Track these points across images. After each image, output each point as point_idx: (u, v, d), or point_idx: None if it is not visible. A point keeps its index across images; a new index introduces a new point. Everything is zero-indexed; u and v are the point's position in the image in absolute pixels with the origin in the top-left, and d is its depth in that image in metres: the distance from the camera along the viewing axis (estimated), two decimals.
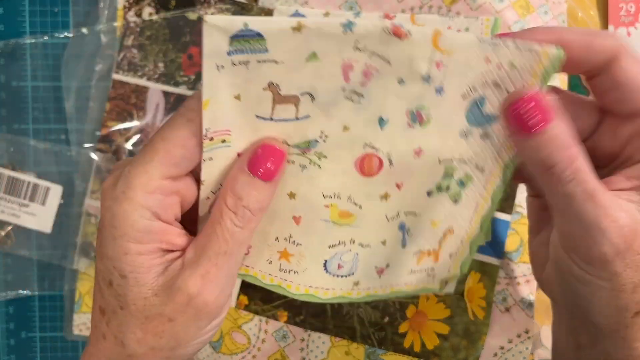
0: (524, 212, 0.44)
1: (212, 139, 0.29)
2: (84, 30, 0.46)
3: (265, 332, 0.45)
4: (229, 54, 0.27)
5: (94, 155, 0.45)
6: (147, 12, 0.45)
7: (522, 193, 0.44)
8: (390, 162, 0.31)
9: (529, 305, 0.44)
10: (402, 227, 0.34)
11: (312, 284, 0.35)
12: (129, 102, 0.45)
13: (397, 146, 0.31)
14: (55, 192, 0.46)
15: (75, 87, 0.46)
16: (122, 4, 0.45)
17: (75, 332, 0.46)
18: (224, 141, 0.29)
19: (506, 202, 0.44)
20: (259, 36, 0.27)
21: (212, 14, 0.45)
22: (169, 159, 0.28)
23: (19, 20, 0.47)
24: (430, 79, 0.29)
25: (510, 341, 0.44)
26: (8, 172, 0.46)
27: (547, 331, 0.45)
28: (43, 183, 0.46)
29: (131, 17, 0.45)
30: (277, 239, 0.33)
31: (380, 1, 0.45)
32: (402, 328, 0.44)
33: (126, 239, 0.28)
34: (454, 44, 0.28)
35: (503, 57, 0.29)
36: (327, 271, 0.35)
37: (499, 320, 0.44)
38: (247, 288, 0.45)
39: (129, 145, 0.45)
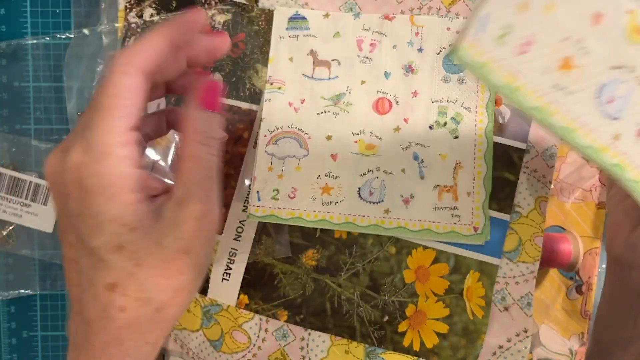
0: (523, 212, 0.44)
1: (272, 83, 0.45)
2: (85, 31, 0.46)
3: (266, 331, 0.45)
4: (287, 29, 0.45)
5: None
6: (149, 13, 0.46)
7: (520, 193, 0.44)
8: (397, 102, 0.44)
9: (528, 304, 0.44)
10: (416, 157, 0.44)
11: (350, 212, 0.44)
12: None
13: (399, 90, 0.45)
14: None
15: (76, 87, 0.46)
16: (123, 5, 0.45)
17: None
18: (279, 88, 0.45)
19: (505, 203, 0.44)
20: (304, 19, 0.45)
21: (213, 15, 0.45)
22: (125, 111, 0.29)
23: (20, 20, 0.47)
24: (413, 43, 0.45)
25: (509, 340, 0.44)
26: (10, 172, 0.46)
27: (545, 330, 0.46)
28: (44, 183, 0.46)
29: (132, 18, 0.45)
30: (319, 176, 0.44)
31: (379, 2, 0.45)
32: (402, 327, 0.44)
33: (124, 191, 0.29)
34: (424, 20, 0.45)
35: (458, 26, 0.44)
36: (360, 197, 0.44)
37: (497, 320, 0.44)
38: (248, 287, 0.45)
39: None
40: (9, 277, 0.47)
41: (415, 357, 0.44)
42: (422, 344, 0.44)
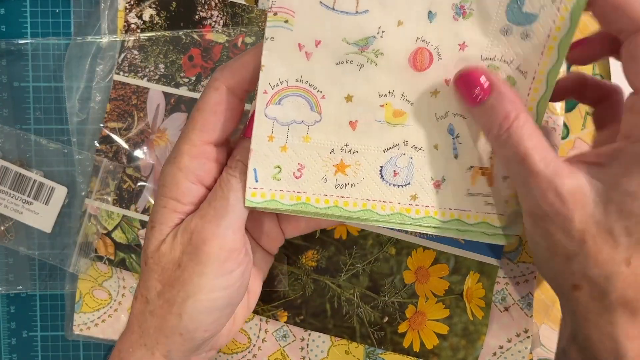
0: None
1: (275, 13, 0.31)
2: (85, 31, 0.46)
3: (266, 331, 0.45)
4: None
5: (94, 156, 0.45)
6: (148, 13, 0.45)
7: None
8: (439, 55, 0.33)
9: (528, 304, 0.44)
10: (451, 131, 0.35)
11: (369, 196, 0.35)
12: (129, 103, 0.45)
13: (444, 39, 0.33)
14: (60, 192, 0.46)
15: (76, 87, 0.46)
16: (123, 5, 0.45)
17: (76, 332, 0.46)
18: (286, 21, 0.32)
19: None
20: None
21: (212, 15, 0.45)
22: (205, 126, 0.32)
23: (20, 20, 0.47)
24: None
25: (509, 340, 0.44)
26: (16, 168, 0.46)
27: (546, 330, 0.46)
28: (49, 183, 0.46)
29: (132, 18, 0.45)
30: (332, 150, 0.34)
31: None
32: (402, 328, 0.44)
33: (169, 195, 0.32)
34: None
35: None
36: (383, 179, 0.35)
37: (498, 320, 0.44)
38: None
39: (129, 146, 0.45)
40: (9, 277, 0.47)
41: (415, 358, 0.44)
42: (422, 344, 0.44)
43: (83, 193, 0.46)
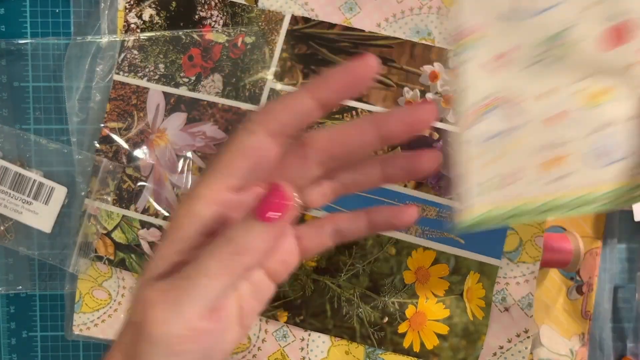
0: None
1: (463, 36, 0.30)
2: (85, 31, 0.46)
3: (266, 331, 0.45)
4: None
5: (94, 156, 0.45)
6: (148, 13, 0.46)
7: None
8: (634, 28, 0.31)
9: (528, 305, 0.44)
10: None
11: (584, 183, 0.33)
12: (129, 102, 0.45)
13: (636, 8, 0.31)
14: (60, 192, 0.46)
15: (76, 87, 0.46)
16: (122, 5, 0.45)
17: (76, 332, 0.46)
18: (475, 41, 0.30)
19: None
20: None
21: (212, 15, 0.45)
22: (231, 170, 0.28)
23: (20, 20, 0.47)
24: None
25: (509, 341, 0.44)
26: (15, 168, 0.46)
27: (546, 330, 0.45)
28: (48, 183, 0.46)
29: (132, 18, 0.45)
30: (539, 150, 0.33)
31: (379, 2, 0.45)
32: (402, 328, 0.44)
33: (169, 240, 0.28)
34: None
35: None
36: (595, 162, 0.33)
37: (498, 320, 0.44)
38: None
39: (128, 146, 0.45)
40: (9, 277, 0.47)
41: (416, 358, 0.44)
42: (422, 345, 0.44)
43: (83, 193, 0.46)
